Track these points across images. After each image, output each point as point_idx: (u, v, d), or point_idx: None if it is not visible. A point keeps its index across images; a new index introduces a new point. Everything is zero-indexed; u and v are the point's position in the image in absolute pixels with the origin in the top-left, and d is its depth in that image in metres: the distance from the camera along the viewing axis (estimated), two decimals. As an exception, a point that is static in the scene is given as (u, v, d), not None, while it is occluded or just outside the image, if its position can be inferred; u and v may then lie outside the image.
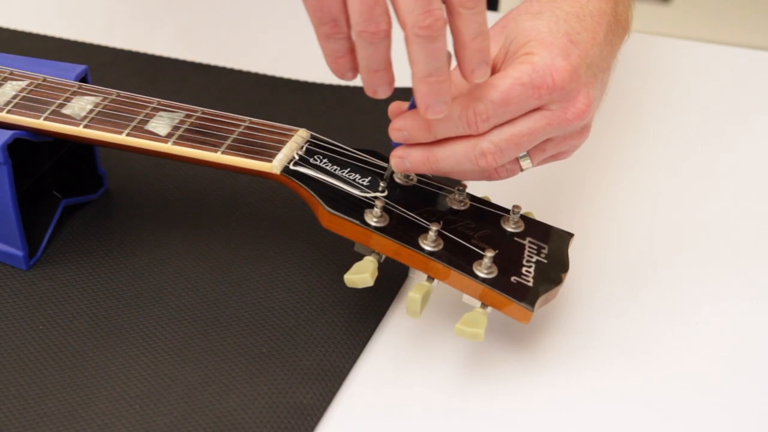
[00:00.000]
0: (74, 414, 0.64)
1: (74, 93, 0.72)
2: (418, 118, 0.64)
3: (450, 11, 0.61)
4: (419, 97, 0.62)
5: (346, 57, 0.63)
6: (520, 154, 0.66)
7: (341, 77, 0.64)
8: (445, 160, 0.65)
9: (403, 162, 0.66)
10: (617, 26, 0.70)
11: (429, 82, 0.61)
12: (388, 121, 0.88)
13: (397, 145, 0.66)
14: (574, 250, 0.68)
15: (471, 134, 0.64)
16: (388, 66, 0.62)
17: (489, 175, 0.67)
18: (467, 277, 0.64)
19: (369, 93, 0.64)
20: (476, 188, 0.71)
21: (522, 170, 0.67)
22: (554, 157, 0.69)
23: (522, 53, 0.65)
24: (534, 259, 0.66)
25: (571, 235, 0.68)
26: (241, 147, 0.69)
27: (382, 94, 0.63)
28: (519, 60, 0.64)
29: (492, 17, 0.68)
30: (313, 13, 0.61)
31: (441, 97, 0.62)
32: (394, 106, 0.67)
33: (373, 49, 0.61)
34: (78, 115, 0.71)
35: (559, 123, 0.65)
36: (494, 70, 0.66)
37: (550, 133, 0.65)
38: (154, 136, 0.70)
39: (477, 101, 0.63)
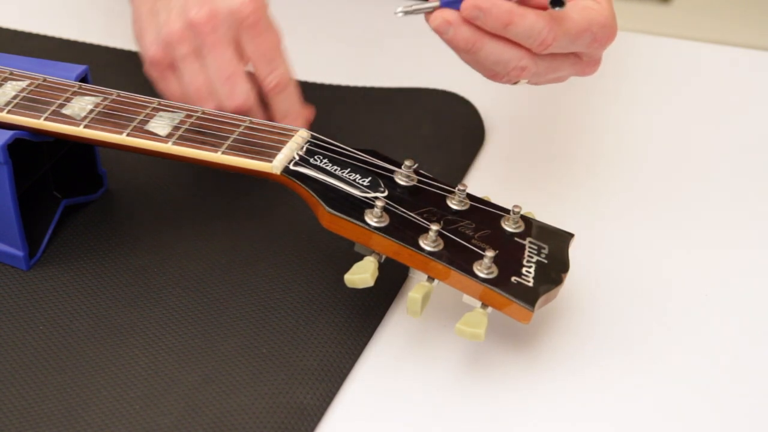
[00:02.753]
0: (74, 414, 0.64)
1: (74, 93, 0.72)
2: (504, 11, 0.65)
3: None
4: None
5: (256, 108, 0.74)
6: None
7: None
8: (488, 53, 0.66)
9: (447, 29, 0.66)
10: None
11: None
12: (388, 122, 0.88)
13: (447, 4, 0.66)
14: (574, 251, 0.68)
15: (529, 48, 0.66)
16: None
17: (495, 75, 0.69)
18: (467, 277, 0.64)
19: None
20: (476, 188, 0.71)
21: (517, 82, 0.70)
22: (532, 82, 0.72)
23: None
24: (534, 260, 0.66)
25: (571, 235, 0.68)
26: (241, 147, 0.69)
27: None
28: (592, 8, 0.67)
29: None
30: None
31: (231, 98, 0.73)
32: None
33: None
34: (78, 115, 0.71)
35: (579, 72, 0.70)
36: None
37: (568, 74, 0.70)
38: (154, 136, 0.70)
39: (557, 27, 0.65)
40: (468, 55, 0.68)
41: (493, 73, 0.69)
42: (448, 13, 0.66)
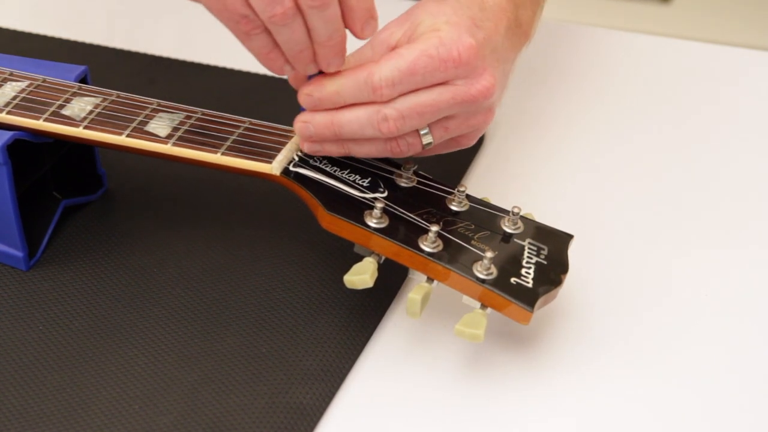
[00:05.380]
0: (74, 414, 0.64)
1: (74, 94, 0.73)
2: (327, 83, 0.65)
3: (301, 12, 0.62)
4: (321, 59, 0.64)
5: (274, 51, 0.64)
6: (422, 131, 0.67)
7: (279, 72, 0.66)
8: (349, 124, 0.66)
9: (307, 126, 0.67)
10: (517, 27, 0.71)
11: (330, 45, 0.63)
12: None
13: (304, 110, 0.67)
14: (573, 252, 0.68)
15: (375, 101, 0.65)
16: (309, 44, 0.64)
17: (391, 147, 0.67)
18: (467, 278, 0.64)
19: (302, 72, 0.65)
20: (476, 189, 0.71)
21: (423, 146, 0.68)
22: (456, 142, 0.70)
23: (429, 30, 0.66)
24: (533, 261, 0.66)
25: (570, 236, 0.68)
26: (240, 148, 0.69)
27: (311, 70, 0.65)
28: (426, 36, 0.66)
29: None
30: (221, 16, 0.63)
31: (341, 55, 0.64)
32: (296, 74, 0.68)
33: (289, 31, 0.62)
34: (78, 116, 0.71)
35: (463, 99, 0.66)
36: None
37: (454, 108, 0.66)
38: (153, 137, 0.70)
39: (384, 68, 0.64)
40: (344, 139, 0.67)
41: (380, 142, 0.67)
42: (301, 115, 0.67)
